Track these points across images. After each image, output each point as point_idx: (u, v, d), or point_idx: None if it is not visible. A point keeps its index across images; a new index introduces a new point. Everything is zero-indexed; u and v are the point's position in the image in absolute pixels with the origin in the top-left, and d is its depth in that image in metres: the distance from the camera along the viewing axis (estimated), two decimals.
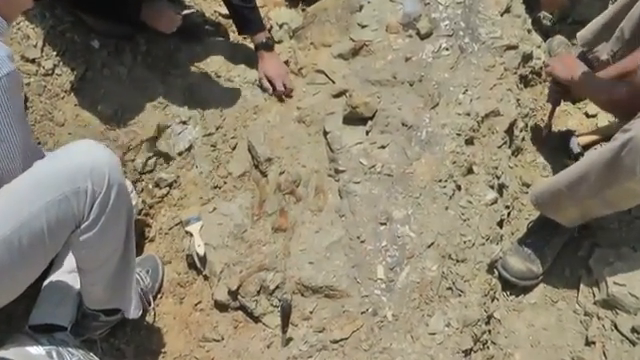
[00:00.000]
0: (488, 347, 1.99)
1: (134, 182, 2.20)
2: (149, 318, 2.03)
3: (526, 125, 2.43)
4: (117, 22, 2.33)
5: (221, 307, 2.03)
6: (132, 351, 1.99)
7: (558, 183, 2.00)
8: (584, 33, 2.42)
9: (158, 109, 2.33)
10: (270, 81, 2.43)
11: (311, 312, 1.92)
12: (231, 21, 2.55)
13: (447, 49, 2.34)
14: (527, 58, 2.47)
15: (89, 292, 1.77)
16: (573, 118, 2.55)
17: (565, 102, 2.41)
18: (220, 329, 2.00)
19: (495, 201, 2.13)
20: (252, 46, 2.48)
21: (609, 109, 2.19)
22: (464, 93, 2.25)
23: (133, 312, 1.85)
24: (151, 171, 2.25)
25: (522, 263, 2.10)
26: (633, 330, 1.92)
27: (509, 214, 2.25)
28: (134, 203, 2.00)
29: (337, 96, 2.33)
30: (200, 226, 2.12)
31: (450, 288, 1.95)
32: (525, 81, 2.51)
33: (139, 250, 2.15)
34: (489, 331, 2.00)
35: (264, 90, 2.44)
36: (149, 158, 2.26)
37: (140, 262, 2.06)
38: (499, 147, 2.24)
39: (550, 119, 2.40)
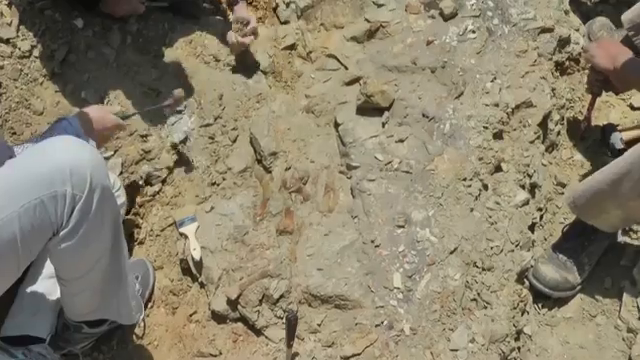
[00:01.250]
0: None
1: (121, 176, 2.21)
2: (138, 330, 2.05)
3: (562, 118, 2.44)
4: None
5: (219, 318, 2.05)
6: None
7: (598, 182, 2.01)
8: (630, 15, 2.41)
9: (150, 96, 2.35)
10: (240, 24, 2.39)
11: (319, 324, 1.95)
12: None
13: (474, 31, 2.36)
14: (564, 42, 2.48)
15: (70, 303, 1.78)
16: (616, 110, 2.57)
17: (607, 92, 2.42)
18: (218, 343, 2.02)
19: (526, 202, 2.16)
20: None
21: None
22: (492, 81, 2.28)
23: (134, 316, 1.88)
24: (141, 165, 2.27)
25: (556, 272, 2.12)
26: None
27: (542, 217, 2.27)
28: (121, 201, 2.02)
29: (350, 83, 2.35)
30: (196, 227, 2.14)
31: (475, 299, 1.97)
32: (561, 68, 2.52)
33: (128, 254, 2.17)
34: (518, 348, 2.02)
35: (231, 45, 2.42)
36: (139, 151, 2.28)
37: (129, 267, 2.08)
38: (531, 142, 2.26)
39: (590, 111, 2.42)
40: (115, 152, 2.25)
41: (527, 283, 2.14)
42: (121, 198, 2.04)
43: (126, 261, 1.78)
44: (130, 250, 2.21)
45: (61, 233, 1.50)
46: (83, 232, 1.52)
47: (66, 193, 1.46)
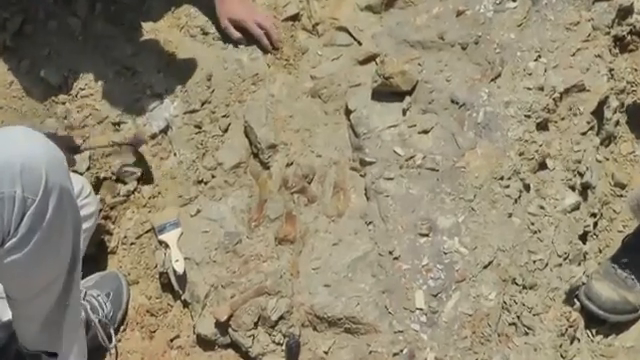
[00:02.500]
0: None
1: (88, 172, 2.21)
2: (109, 358, 2.05)
3: (622, 104, 2.44)
4: None
5: (206, 344, 2.06)
6: None
7: None
8: None
9: (123, 77, 2.36)
10: (239, 26, 2.37)
11: (326, 352, 1.96)
12: None
13: (514, 0, 2.35)
14: (625, 13, 2.47)
15: (23, 328, 1.77)
16: None
17: None
18: None
19: (577, 207, 2.15)
20: None
21: None
22: (536, 60, 2.27)
23: None
24: (113, 159, 2.28)
25: (614, 290, 2.11)
26: None
27: (596, 224, 2.27)
28: (92, 210, 2.03)
29: (364, 62, 2.36)
30: (179, 234, 2.15)
31: (514, 323, 1.97)
32: (621, 44, 2.51)
33: (96, 266, 2.18)
34: None
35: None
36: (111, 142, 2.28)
37: (98, 282, 2.09)
38: (583, 134, 2.25)
39: None
40: (82, 143, 2.25)
41: (578, 304, 2.13)
42: (92, 207, 2.04)
43: (78, 288, 1.75)
44: (99, 261, 2.22)
45: (7, 244, 1.47)
46: (35, 242, 1.49)
47: (15, 195, 1.43)
